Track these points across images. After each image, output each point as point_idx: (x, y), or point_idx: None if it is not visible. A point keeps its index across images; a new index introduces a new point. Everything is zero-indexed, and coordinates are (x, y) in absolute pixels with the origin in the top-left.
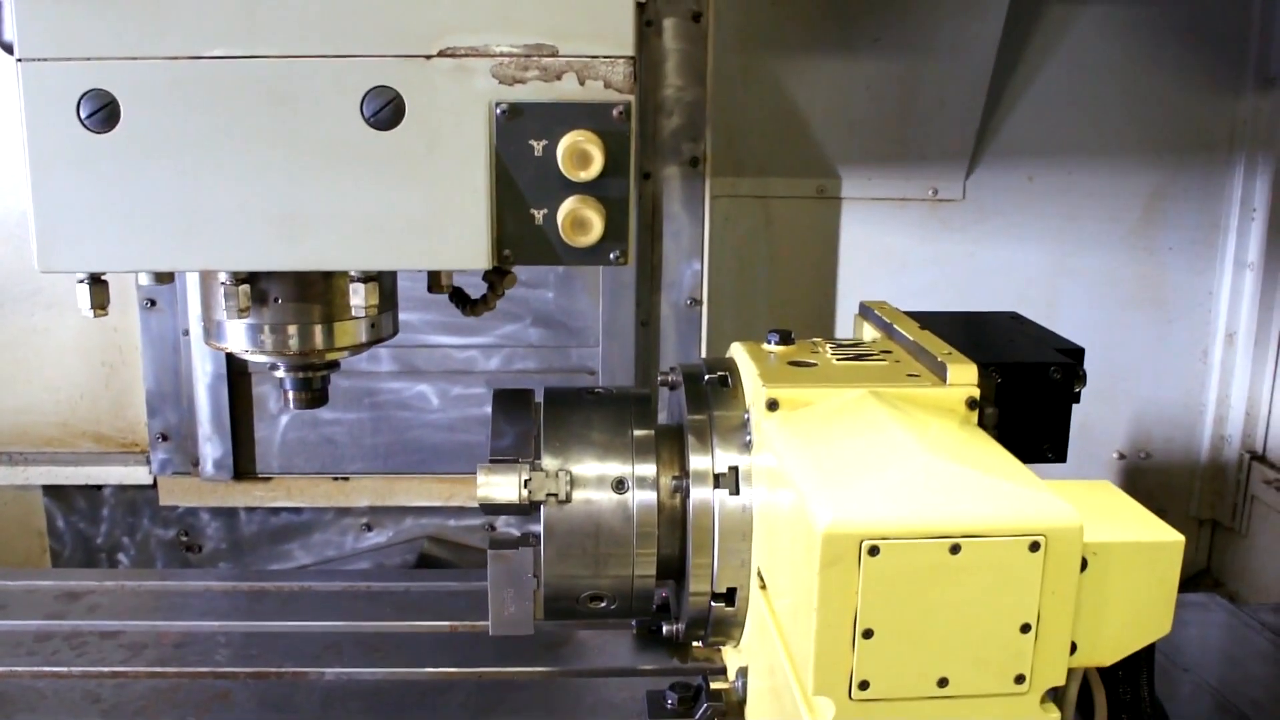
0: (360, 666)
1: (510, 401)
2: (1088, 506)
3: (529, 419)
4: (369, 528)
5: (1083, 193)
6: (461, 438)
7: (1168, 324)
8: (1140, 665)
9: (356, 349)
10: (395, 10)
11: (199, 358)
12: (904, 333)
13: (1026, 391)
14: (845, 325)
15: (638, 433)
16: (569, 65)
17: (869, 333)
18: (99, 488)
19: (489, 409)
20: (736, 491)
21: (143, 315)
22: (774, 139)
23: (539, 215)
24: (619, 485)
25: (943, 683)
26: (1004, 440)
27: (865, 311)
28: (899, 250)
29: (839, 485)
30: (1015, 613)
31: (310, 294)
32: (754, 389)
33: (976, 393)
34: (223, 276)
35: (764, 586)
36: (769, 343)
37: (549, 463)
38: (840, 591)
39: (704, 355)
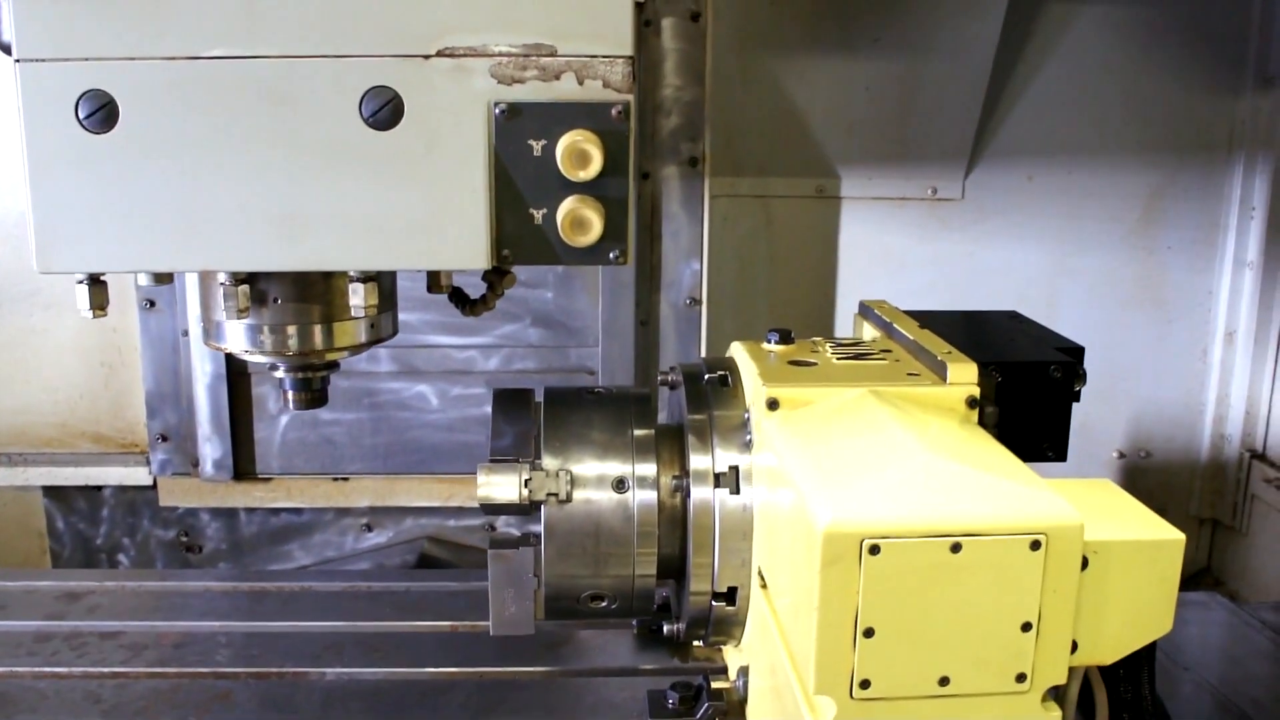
0: (361, 666)
1: (510, 401)
2: (1088, 505)
3: (529, 419)
4: (369, 528)
5: (1082, 192)
6: (461, 438)
7: (1168, 323)
8: (1141, 664)
9: (356, 349)
10: (394, 10)
11: (198, 358)
12: (904, 332)
13: (1027, 390)
14: (844, 325)
15: (638, 432)
16: (568, 65)
17: (869, 332)
18: (99, 488)
19: (488, 409)
20: (737, 491)
21: (142, 316)
22: (773, 139)
23: (538, 215)
24: (619, 485)
25: (944, 681)
26: (1004, 439)
27: (865, 311)
28: (898, 250)
29: (839, 484)
30: (1016, 611)
31: (310, 294)
32: (754, 388)
33: (977, 392)
34: (222, 277)
35: (765, 586)
36: (769, 342)
37: (549, 462)
38: (841, 590)
39: (703, 355)
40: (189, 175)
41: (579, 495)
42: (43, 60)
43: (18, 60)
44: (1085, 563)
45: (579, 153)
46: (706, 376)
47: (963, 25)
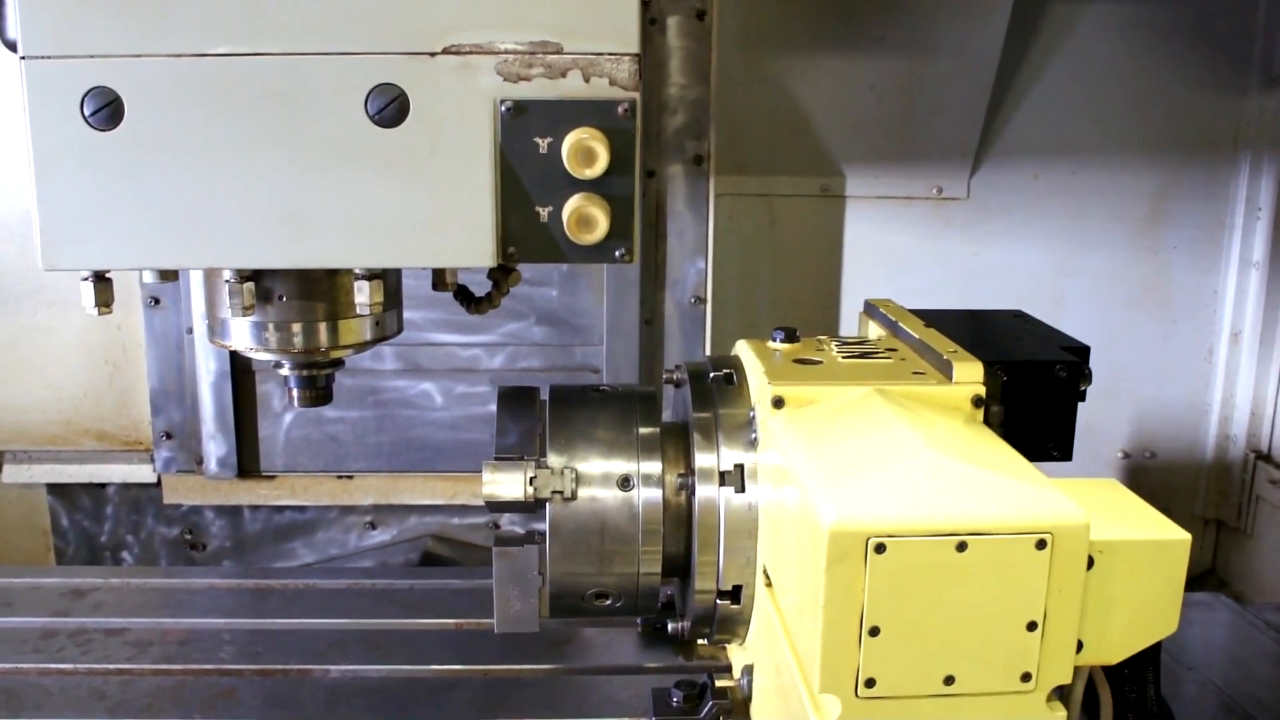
0: (365, 664)
1: (515, 399)
2: (1094, 505)
3: (534, 417)
4: (373, 526)
5: (1087, 192)
6: (465, 436)
7: (1173, 323)
8: (1146, 664)
9: (361, 347)
10: (399, 8)
11: (203, 355)
12: (909, 330)
13: (1032, 390)
14: (849, 323)
15: (643, 430)
16: (574, 63)
17: (874, 330)
18: (103, 486)
19: (493, 407)
20: (742, 489)
21: (146, 313)
22: (778, 137)
23: (544, 213)
24: (624, 483)
25: (949, 680)
26: (1009, 439)
27: (870, 309)
28: (903, 249)
29: (845, 483)
30: (1021, 611)
31: (315, 292)
32: (759, 386)
33: (982, 391)
34: (227, 274)
35: (769, 584)
36: (774, 340)
37: (554, 460)
38: (846, 589)
39: (708, 353)
40: (194, 172)
41: (584, 493)
42: (48, 57)
43: (23, 57)
44: (1091, 562)
45: (585, 150)
46: (712, 375)
47: (967, 24)
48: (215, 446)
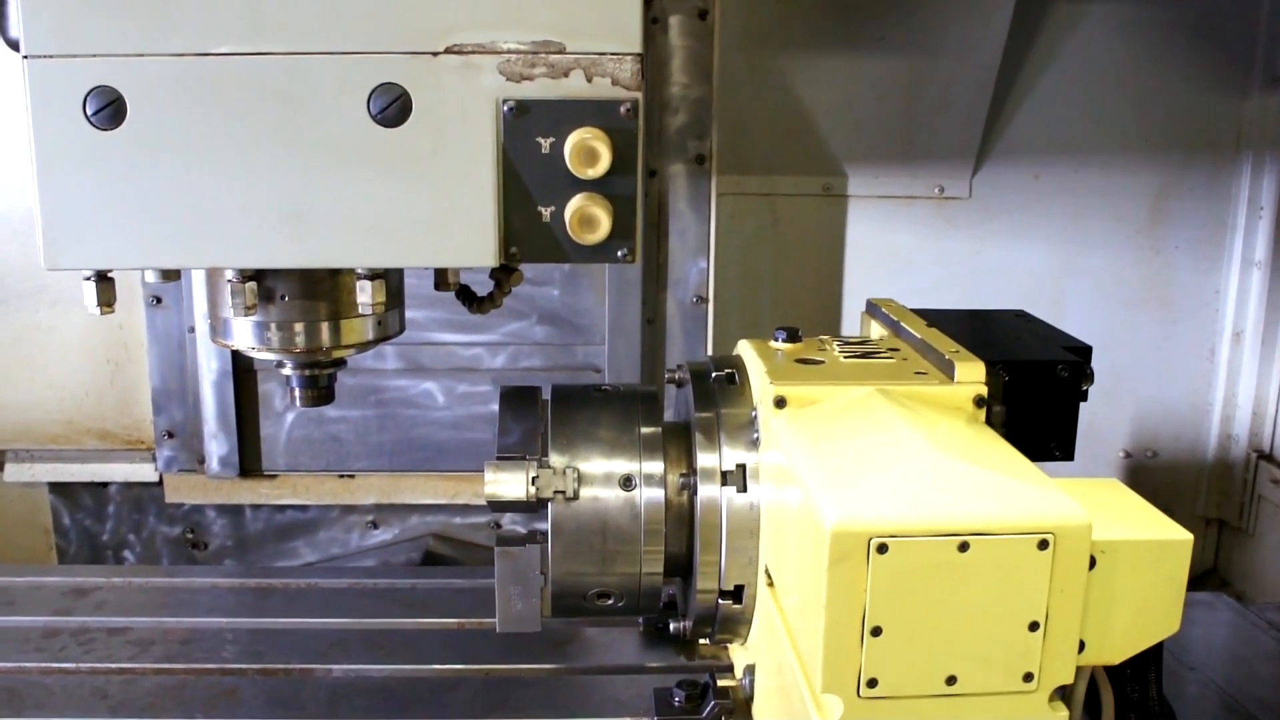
0: (367, 663)
1: (517, 399)
2: (1096, 505)
3: (536, 416)
4: (375, 525)
5: (1089, 191)
6: (467, 435)
7: (1174, 323)
8: (1148, 664)
9: (363, 346)
10: (402, 7)
11: (204, 355)
12: (911, 330)
13: (1034, 390)
14: (851, 323)
15: (645, 430)
16: (576, 62)
17: (876, 330)
18: (104, 485)
19: (494, 406)
20: (744, 489)
21: (148, 312)
22: (780, 137)
23: (546, 213)
24: (626, 482)
25: (951, 681)
26: (1011, 438)
27: (872, 309)
28: (905, 248)
29: (847, 483)
30: (1023, 611)
31: (317, 291)
32: (761, 386)
33: (984, 391)
34: (229, 274)
35: (771, 584)
36: (776, 340)
37: (556, 460)
38: (848, 589)
39: (710, 353)
40: (197, 172)
41: (586, 493)
42: (51, 56)
43: (26, 56)
44: (1093, 562)
45: (587, 150)
46: (714, 374)
47: (970, 24)
48: (217, 445)
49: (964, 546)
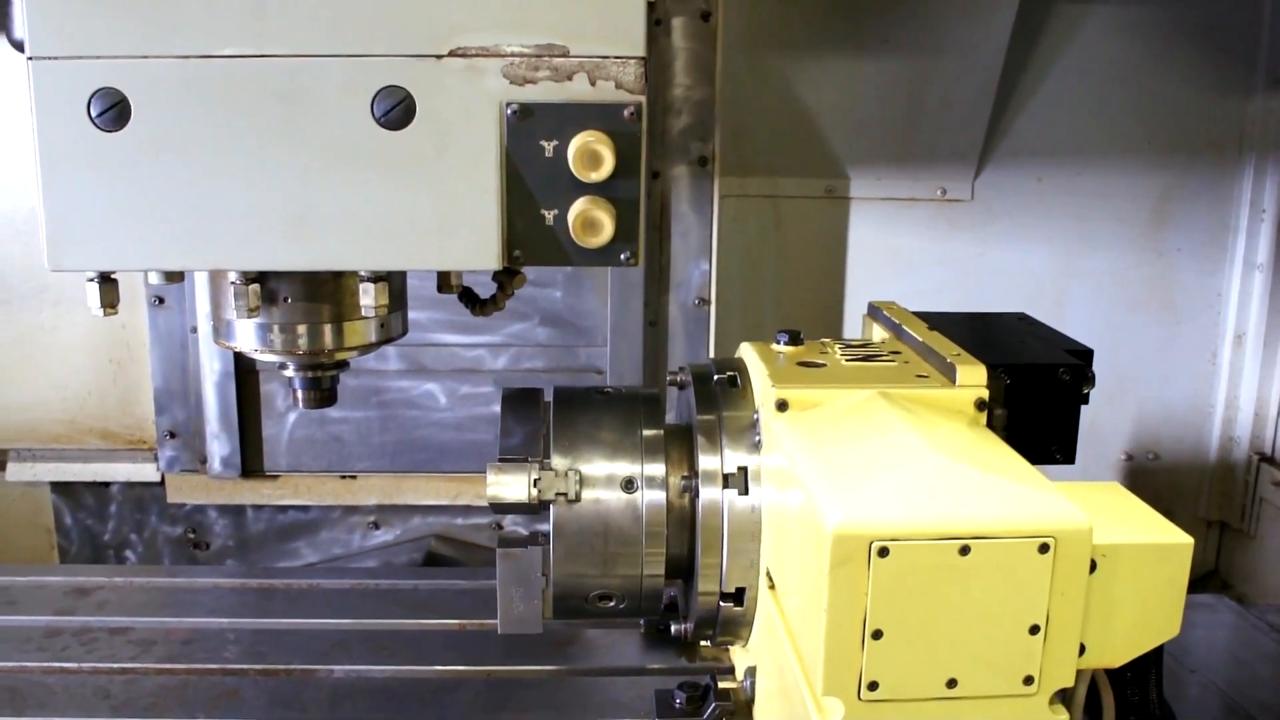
0: (369, 664)
1: (519, 401)
2: (1097, 508)
3: (538, 418)
4: (376, 526)
5: (1091, 193)
6: (469, 436)
7: (1176, 325)
8: (1149, 667)
9: (366, 349)
10: (406, 10)
11: (207, 355)
12: (913, 333)
13: (1035, 393)
14: (853, 325)
15: (647, 432)
16: (580, 65)
17: (878, 333)
18: (107, 485)
19: (496, 408)
20: (745, 492)
21: (151, 313)
22: (782, 139)
23: (549, 216)
24: (628, 485)
25: (952, 684)
26: (1012, 441)
27: (874, 312)
28: (907, 251)
29: (849, 486)
30: (1024, 614)
31: (320, 294)
32: (763, 389)
33: (985, 394)
34: (233, 276)
35: (773, 586)
36: (778, 343)
37: (558, 462)
38: (850, 592)
39: (712, 355)
40: (200, 174)
41: (588, 495)
42: (55, 58)
43: (30, 58)
44: (1093, 566)
45: (591, 154)
46: (716, 377)
47: (972, 26)
48: (219, 446)
49: (965, 550)
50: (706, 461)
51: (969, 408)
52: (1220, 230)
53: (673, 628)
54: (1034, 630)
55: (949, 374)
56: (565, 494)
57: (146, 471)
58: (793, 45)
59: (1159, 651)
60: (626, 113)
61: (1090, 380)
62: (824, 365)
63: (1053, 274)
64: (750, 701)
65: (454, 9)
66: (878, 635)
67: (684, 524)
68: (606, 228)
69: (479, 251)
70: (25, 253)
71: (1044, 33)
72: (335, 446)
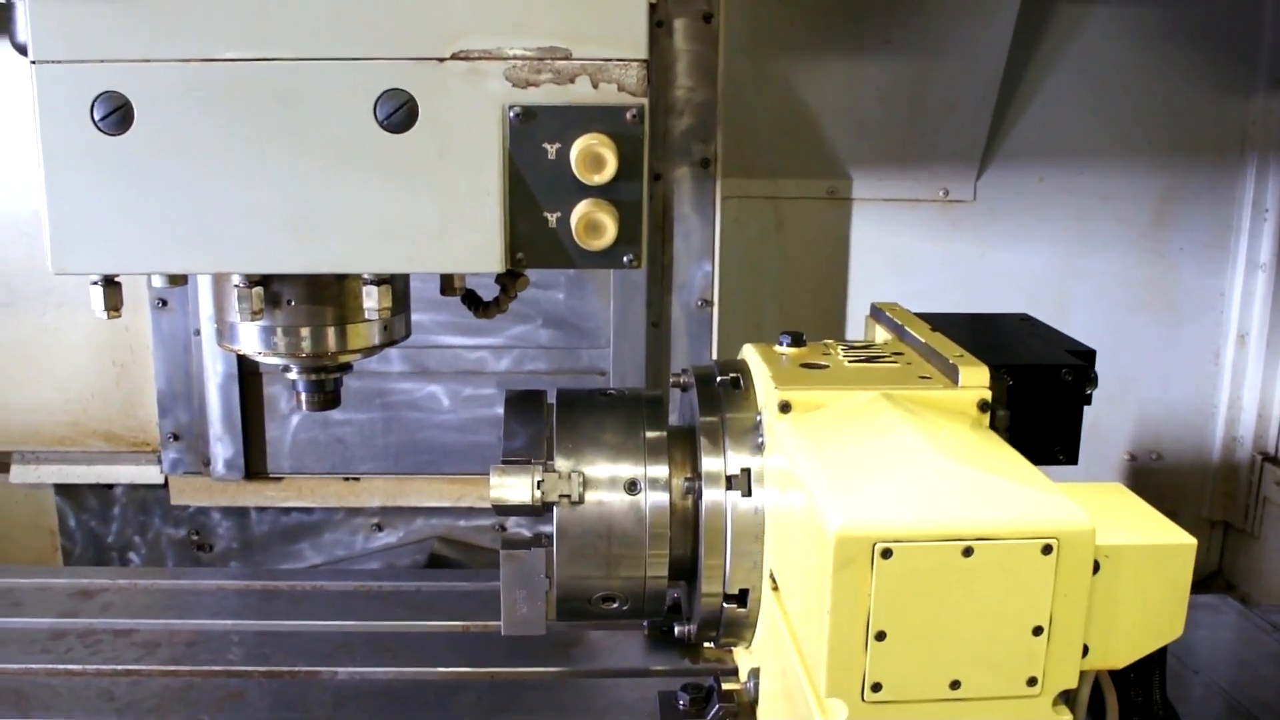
0: (372, 666)
1: (523, 403)
2: (1100, 509)
3: (541, 420)
4: (379, 528)
5: (1093, 194)
6: (472, 438)
7: (1179, 325)
8: (1152, 668)
9: (369, 351)
10: (408, 13)
11: (210, 357)
12: (915, 334)
13: (1038, 394)
14: (856, 326)
15: (650, 434)
16: (582, 68)
17: (880, 334)
18: (110, 487)
19: (499, 410)
20: (749, 493)
21: (154, 315)
22: (785, 140)
23: (552, 218)
24: (631, 486)
25: (955, 685)
26: (1015, 442)
27: (876, 313)
28: (909, 251)
29: (852, 488)
30: (1027, 615)
31: (323, 296)
32: (766, 391)
33: (988, 395)
34: (236, 279)
35: (776, 588)
36: (781, 344)
37: (562, 464)
38: (853, 594)
39: (714, 357)
40: (204, 177)
41: (591, 497)
42: (59, 62)
43: (34, 61)
44: (1096, 567)
45: (593, 156)
46: (718, 379)
47: (974, 27)
48: (222, 448)
49: (968, 551)
50: (710, 463)
51: (972, 409)
52: (1222, 230)
53: (676, 629)
54: (1037, 631)
55: (951, 375)
56: (568, 496)
57: (150, 474)
58: (794, 46)
59: (1162, 652)
60: (629, 115)
61: (1093, 381)
62: (827, 367)
63: (1055, 274)
64: (754, 703)
65: (456, 12)
66: (881, 637)
67: (687, 526)
68: (609, 230)
69: (482, 254)
70: (29, 255)
71: (1046, 33)
72: (338, 448)
